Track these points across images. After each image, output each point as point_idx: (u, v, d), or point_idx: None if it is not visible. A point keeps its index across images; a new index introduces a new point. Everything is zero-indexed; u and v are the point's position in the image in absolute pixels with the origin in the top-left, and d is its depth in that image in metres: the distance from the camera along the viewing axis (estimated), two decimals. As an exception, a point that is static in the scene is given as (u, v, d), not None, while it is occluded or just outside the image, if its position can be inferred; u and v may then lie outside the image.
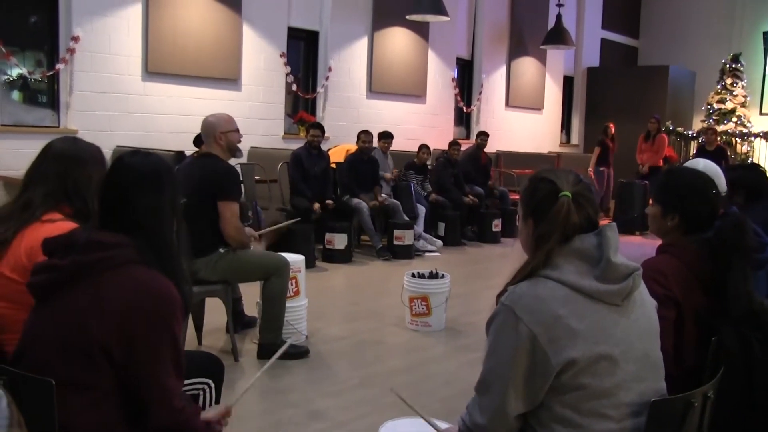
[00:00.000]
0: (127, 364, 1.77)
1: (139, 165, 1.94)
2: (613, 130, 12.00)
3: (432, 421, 2.36)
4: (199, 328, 4.77)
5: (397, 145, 9.11)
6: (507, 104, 13.59)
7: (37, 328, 1.85)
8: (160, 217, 1.93)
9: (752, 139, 14.03)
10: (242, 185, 7.37)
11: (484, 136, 10.42)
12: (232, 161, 4.51)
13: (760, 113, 15.25)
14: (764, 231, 3.29)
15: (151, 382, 1.80)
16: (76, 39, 7.47)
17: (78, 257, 1.81)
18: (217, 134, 4.32)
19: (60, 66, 7.43)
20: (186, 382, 2.13)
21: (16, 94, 7.47)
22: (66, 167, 2.42)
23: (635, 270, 1.83)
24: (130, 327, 1.76)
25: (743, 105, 14.69)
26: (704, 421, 1.95)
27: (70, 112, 7.58)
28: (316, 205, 7.63)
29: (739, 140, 14.16)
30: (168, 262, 1.90)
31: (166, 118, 8.28)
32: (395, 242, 8.20)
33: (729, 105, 14.62)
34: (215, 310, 4.81)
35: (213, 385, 2.38)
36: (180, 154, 6.77)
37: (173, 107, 8.34)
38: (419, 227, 8.70)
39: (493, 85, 13.26)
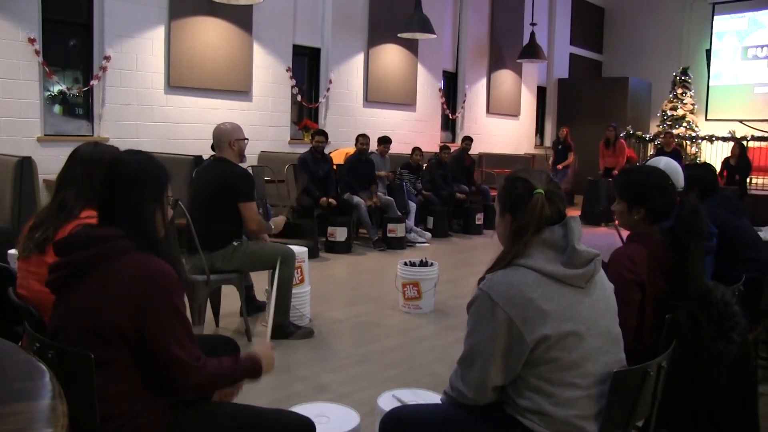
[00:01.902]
0: (141, 337, 1.77)
1: (126, 163, 1.94)
2: (562, 134, 12.13)
3: None
4: (216, 312, 4.76)
5: (390, 148, 9.10)
6: (488, 111, 13.56)
7: (58, 319, 1.86)
8: (146, 208, 1.92)
9: (700, 141, 14.11)
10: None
11: (468, 140, 10.42)
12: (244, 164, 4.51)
13: (706, 119, 15.33)
14: (713, 223, 3.31)
15: (165, 349, 1.80)
16: (107, 58, 7.47)
17: (81, 253, 1.82)
18: (231, 140, 4.31)
19: (94, 82, 7.43)
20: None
21: (57, 108, 7.47)
22: (91, 169, 2.41)
23: (596, 256, 1.85)
24: (136, 305, 1.76)
25: (692, 112, 14.80)
26: (658, 387, 1.98)
27: (102, 122, 7.57)
28: (324, 199, 7.66)
29: (689, 142, 14.21)
30: (158, 246, 1.90)
31: (186, 126, 8.26)
32: (389, 235, 8.20)
33: (680, 112, 14.69)
34: (230, 297, 4.81)
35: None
36: (198, 158, 6.76)
37: (192, 117, 8.32)
38: (410, 221, 8.71)
39: (476, 94, 13.24)
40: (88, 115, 7.60)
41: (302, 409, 2.44)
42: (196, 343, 1.89)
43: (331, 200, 7.79)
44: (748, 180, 11.54)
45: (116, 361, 1.78)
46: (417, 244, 8.50)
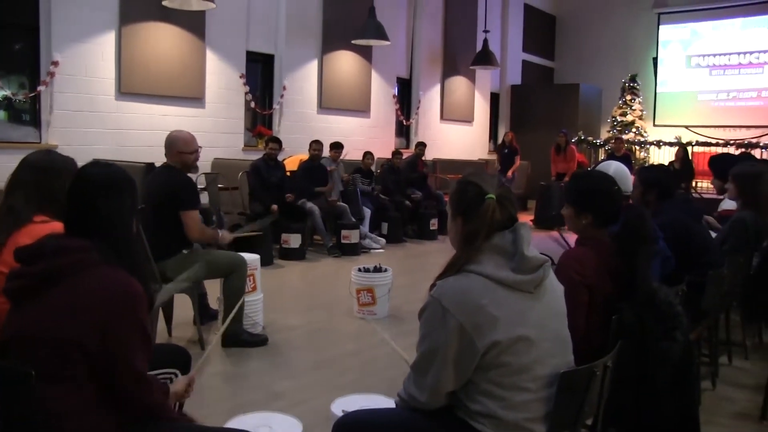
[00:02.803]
0: (102, 354, 1.73)
1: (99, 175, 1.91)
2: (507, 138, 12.28)
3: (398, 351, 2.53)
4: (168, 321, 4.70)
5: (345, 155, 9.09)
6: (442, 117, 13.66)
7: (14, 328, 1.80)
8: (120, 220, 1.89)
9: (648, 146, 14.46)
10: (206, 192, 7.35)
11: (422, 146, 10.47)
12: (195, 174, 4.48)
13: (654, 125, 15.73)
14: (672, 226, 3.37)
15: (125, 367, 1.77)
16: (55, 63, 7.29)
17: (47, 264, 1.77)
18: (174, 152, 4.32)
19: (41, 88, 7.24)
20: (155, 372, 2.10)
21: (1, 114, 7.26)
22: (42, 175, 2.38)
23: (545, 261, 1.87)
24: (101, 320, 1.73)
25: (640, 118, 15.15)
26: (604, 386, 2.02)
27: (50, 129, 7.38)
28: (274, 207, 7.60)
29: (638, 147, 14.54)
30: (129, 260, 1.87)
31: (138, 133, 8.12)
32: (343, 241, 8.19)
33: (629, 117, 15.03)
34: (183, 305, 4.75)
35: (180, 375, 2.35)
36: (150, 166, 6.65)
37: (144, 124, 8.19)
38: (365, 227, 8.70)
39: (430, 100, 13.33)
40: (36, 122, 7.40)
41: (247, 418, 2.42)
42: (149, 363, 1.88)
43: (287, 195, 7.75)
44: (693, 183, 11.89)
45: (70, 377, 1.74)
46: (371, 250, 8.51)
